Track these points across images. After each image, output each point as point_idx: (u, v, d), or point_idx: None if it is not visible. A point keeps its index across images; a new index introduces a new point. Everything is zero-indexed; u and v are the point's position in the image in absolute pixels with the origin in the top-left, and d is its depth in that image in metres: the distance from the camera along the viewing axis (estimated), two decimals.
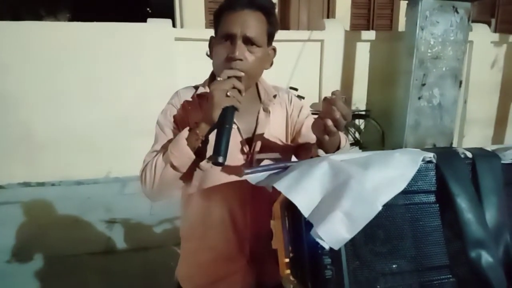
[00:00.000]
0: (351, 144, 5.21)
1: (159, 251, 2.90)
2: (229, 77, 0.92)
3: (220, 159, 0.84)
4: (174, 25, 4.80)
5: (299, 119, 1.17)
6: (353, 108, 5.35)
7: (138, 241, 3.10)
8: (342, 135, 1.00)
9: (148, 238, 3.15)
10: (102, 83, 4.38)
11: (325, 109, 0.83)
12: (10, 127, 4.25)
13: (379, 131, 5.20)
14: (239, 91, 0.91)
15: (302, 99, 3.93)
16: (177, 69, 4.54)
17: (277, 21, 1.07)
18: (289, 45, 4.68)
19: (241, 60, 0.98)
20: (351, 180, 0.65)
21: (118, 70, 4.40)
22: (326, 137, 0.86)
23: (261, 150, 1.07)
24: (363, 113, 5.23)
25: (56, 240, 3.09)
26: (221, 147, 0.85)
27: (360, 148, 5.12)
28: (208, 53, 1.12)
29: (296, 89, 4.29)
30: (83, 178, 4.44)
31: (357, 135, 5.25)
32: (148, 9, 11.05)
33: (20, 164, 4.35)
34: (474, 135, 5.82)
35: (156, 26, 4.47)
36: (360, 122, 5.26)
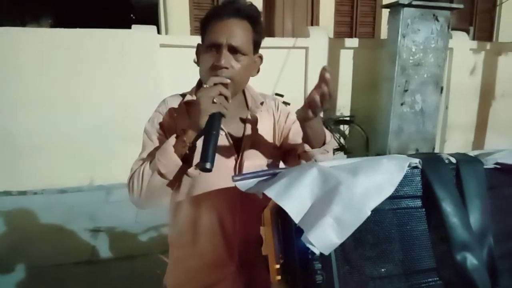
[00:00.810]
0: (336, 150, 5.27)
1: (145, 259, 2.87)
2: (215, 84, 0.93)
3: (208, 165, 0.84)
4: (158, 32, 4.79)
5: (286, 125, 1.18)
6: (338, 114, 5.42)
7: (124, 250, 3.06)
8: (327, 132, 1.04)
9: (134, 246, 3.11)
10: (86, 89, 4.33)
11: (316, 86, 0.87)
12: None
13: (363, 137, 5.27)
14: (226, 98, 0.92)
15: (288, 105, 3.96)
16: (161, 76, 4.52)
17: (263, 29, 1.08)
18: (275, 52, 4.72)
19: (227, 68, 0.99)
20: (340, 186, 0.66)
21: (102, 76, 4.36)
22: (310, 114, 0.90)
23: (249, 156, 1.08)
24: (348, 118, 5.30)
25: (39, 250, 3.01)
26: (208, 153, 0.85)
27: (345, 153, 5.18)
28: (196, 60, 1.13)
29: (281, 95, 4.32)
30: (66, 186, 4.36)
31: (342, 140, 5.31)
32: (132, 15, 10.99)
33: (0, 172, 4.24)
34: (455, 140, 5.95)
35: (141, 32, 4.45)
36: (344, 128, 5.33)
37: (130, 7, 10.84)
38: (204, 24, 1.05)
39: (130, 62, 4.40)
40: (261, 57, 1.13)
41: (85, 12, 9.82)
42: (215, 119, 0.90)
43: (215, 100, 0.90)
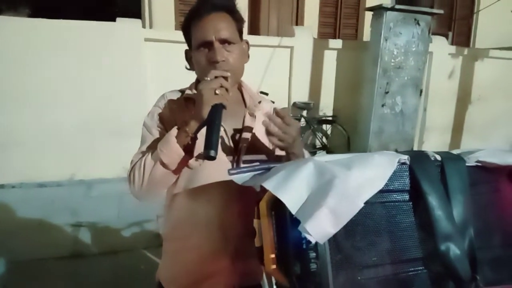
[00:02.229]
0: (318, 149, 5.35)
1: (128, 254, 2.86)
2: (216, 77, 0.96)
3: (212, 153, 0.87)
4: (142, 26, 4.75)
5: None
6: (321, 113, 5.50)
7: (107, 245, 3.03)
8: (306, 153, 1.11)
9: (116, 241, 3.09)
10: (68, 83, 4.25)
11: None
12: None
13: (345, 136, 5.38)
14: (226, 90, 0.96)
15: (272, 103, 4.01)
16: (145, 70, 4.49)
17: (241, 16, 1.13)
18: (260, 51, 4.75)
19: (223, 61, 1.03)
20: (335, 179, 0.70)
21: (84, 70, 4.29)
22: (281, 143, 0.99)
23: (247, 152, 1.11)
24: (330, 118, 5.39)
25: (19, 244, 2.96)
26: (212, 142, 0.88)
27: (326, 153, 5.27)
28: (188, 66, 1.17)
29: (266, 94, 4.36)
30: (46, 180, 4.28)
31: (324, 139, 5.40)
32: (115, 9, 10.81)
33: None
34: (433, 141, 6.13)
35: (126, 26, 4.40)
36: (327, 127, 5.42)
37: (112, 0, 10.65)
38: (187, 27, 1.10)
39: (114, 56, 4.34)
40: (247, 42, 1.17)
41: (64, 3, 9.59)
42: (217, 110, 0.93)
43: (217, 92, 0.93)
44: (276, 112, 0.97)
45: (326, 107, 5.56)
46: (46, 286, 2.50)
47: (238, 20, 1.10)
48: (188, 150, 0.97)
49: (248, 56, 1.18)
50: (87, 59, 4.27)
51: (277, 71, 5.12)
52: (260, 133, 1.16)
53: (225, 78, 0.97)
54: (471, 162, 0.84)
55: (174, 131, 0.97)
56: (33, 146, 4.23)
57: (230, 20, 1.07)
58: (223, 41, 1.04)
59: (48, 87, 4.20)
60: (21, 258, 2.77)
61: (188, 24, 1.08)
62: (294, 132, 0.98)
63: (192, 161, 1.01)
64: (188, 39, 1.11)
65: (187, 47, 1.15)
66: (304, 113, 5.16)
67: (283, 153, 1.06)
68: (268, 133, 0.96)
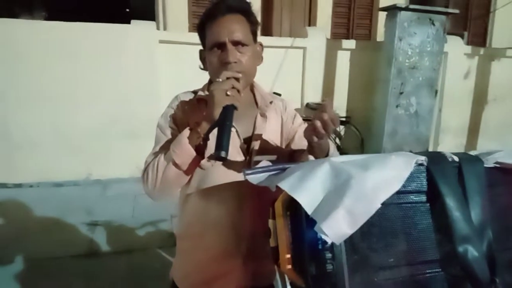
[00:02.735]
0: None
1: (143, 253, 2.89)
2: (228, 78, 0.97)
3: (223, 154, 0.87)
4: (156, 28, 4.80)
5: (293, 127, 1.22)
6: None
7: (121, 244, 3.07)
8: (331, 143, 1.07)
9: (131, 240, 3.13)
10: (84, 84, 4.33)
11: (316, 114, 0.91)
12: None
13: (358, 137, 5.33)
14: (238, 91, 0.96)
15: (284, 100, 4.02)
16: (159, 72, 4.53)
17: (256, 19, 1.13)
18: (272, 51, 4.76)
19: (235, 62, 1.04)
20: (351, 180, 0.70)
21: (99, 71, 4.36)
22: (315, 138, 0.93)
23: (258, 153, 1.12)
24: (343, 119, 5.36)
25: (37, 242, 3.02)
26: (223, 143, 0.88)
27: (340, 154, 5.22)
28: (201, 66, 1.17)
29: (279, 95, 4.35)
30: (63, 180, 4.35)
31: (337, 140, 5.36)
32: (127, 10, 10.93)
33: None
34: (448, 143, 6.04)
35: (141, 28, 4.46)
36: (340, 128, 5.38)
37: (125, 2, 10.78)
38: (201, 28, 1.10)
39: (129, 58, 4.40)
40: (261, 45, 1.17)
41: (78, 5, 9.75)
42: (229, 111, 0.93)
43: (228, 93, 0.94)
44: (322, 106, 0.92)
45: (339, 108, 5.52)
46: (61, 283, 2.54)
47: (253, 22, 1.11)
48: (200, 150, 0.98)
49: (262, 58, 1.17)
50: (102, 61, 4.34)
51: (290, 72, 5.11)
52: (271, 133, 1.16)
53: (237, 79, 0.98)
54: (489, 163, 0.83)
55: (186, 132, 0.98)
56: (50, 146, 4.31)
57: (244, 22, 1.08)
58: (236, 43, 1.04)
59: (65, 89, 4.27)
60: (38, 256, 2.82)
61: (203, 24, 1.09)
62: (336, 122, 0.93)
63: (204, 162, 1.02)
64: (202, 40, 1.12)
65: (201, 48, 1.16)
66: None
67: (306, 146, 1.02)
68: (315, 118, 0.91)
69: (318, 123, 0.90)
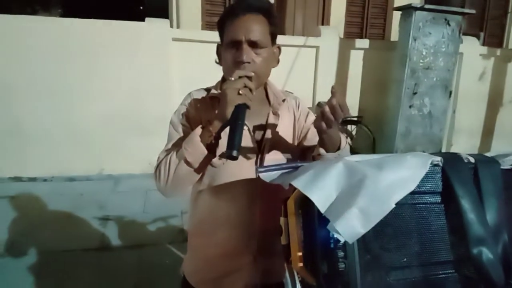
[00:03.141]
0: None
1: (153, 248, 2.92)
2: (240, 77, 0.97)
3: (234, 153, 0.87)
4: (170, 26, 4.83)
5: (306, 124, 1.22)
6: None
7: (133, 239, 3.11)
8: (342, 137, 1.06)
9: (142, 235, 3.16)
10: (97, 79, 4.38)
11: (327, 102, 0.90)
12: (1, 120, 4.22)
13: (370, 138, 5.29)
14: (250, 90, 0.96)
15: (297, 97, 4.00)
16: (172, 69, 4.56)
17: (277, 21, 1.11)
18: (285, 50, 4.70)
19: (249, 63, 1.03)
20: (366, 179, 0.70)
21: (114, 68, 4.40)
22: (324, 125, 0.92)
23: (270, 151, 1.12)
24: (355, 119, 5.32)
25: (50, 235, 3.07)
26: (234, 142, 0.88)
27: (351, 154, 5.20)
28: (217, 60, 1.17)
29: (291, 93, 4.35)
30: (76, 174, 4.42)
31: (349, 140, 5.33)
32: (141, 7, 11.02)
33: (11, 158, 4.31)
34: (462, 144, 5.96)
35: (155, 25, 4.48)
36: (352, 128, 5.35)
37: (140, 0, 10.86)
38: (221, 24, 1.09)
39: (142, 55, 4.44)
40: (279, 48, 1.16)
41: (92, 2, 9.86)
42: (241, 110, 0.93)
43: (240, 92, 0.94)
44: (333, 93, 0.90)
45: (352, 108, 5.48)
46: (73, 276, 2.58)
47: (273, 24, 1.09)
48: (212, 149, 0.98)
49: (278, 61, 1.16)
50: (116, 58, 4.38)
51: (302, 71, 5.09)
52: (283, 131, 1.16)
53: (249, 78, 0.98)
54: (505, 165, 0.82)
55: (198, 130, 0.98)
56: (63, 141, 4.38)
57: (264, 22, 1.06)
58: (253, 43, 1.03)
59: (78, 84, 4.33)
60: (50, 249, 2.87)
61: (223, 20, 1.08)
62: (346, 110, 0.91)
63: (215, 160, 1.02)
64: (221, 34, 1.11)
65: (214, 46, 1.16)
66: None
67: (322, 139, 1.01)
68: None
69: (327, 108, 0.89)
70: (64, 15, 9.30)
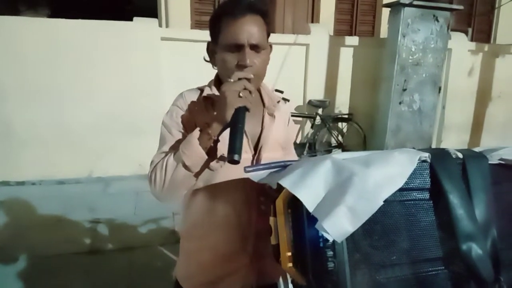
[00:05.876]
0: (334, 147, 5.31)
1: (144, 251, 2.89)
2: (239, 79, 0.95)
3: (236, 157, 0.85)
4: (159, 25, 4.79)
5: (290, 130, 1.25)
6: (336, 111, 5.45)
7: (124, 241, 3.07)
8: None
9: (133, 238, 3.13)
10: (86, 81, 4.32)
11: None
12: None
13: (361, 134, 5.32)
14: (250, 92, 0.94)
15: (287, 102, 3.99)
16: (161, 69, 4.53)
17: (270, 20, 1.10)
18: (275, 48, 4.68)
19: (251, 66, 1.01)
20: (354, 177, 0.69)
21: (102, 68, 4.35)
22: None
23: (266, 152, 1.10)
24: (346, 116, 5.34)
25: (39, 239, 3.03)
26: (236, 146, 0.86)
27: (342, 151, 5.21)
28: (207, 58, 1.14)
29: (281, 92, 4.34)
30: (65, 177, 4.36)
31: (339, 138, 5.35)
32: (129, 6, 10.91)
33: None
34: (452, 140, 6.01)
35: (143, 25, 4.44)
36: (343, 125, 5.37)
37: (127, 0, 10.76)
38: (216, 21, 1.05)
39: (131, 55, 4.39)
40: (271, 46, 1.14)
41: (80, 2, 9.74)
42: (241, 112, 0.91)
43: (240, 94, 0.91)
44: None
45: (342, 105, 5.50)
46: (64, 280, 2.54)
47: (268, 23, 1.07)
48: (211, 152, 0.96)
49: (269, 59, 1.14)
50: (104, 58, 4.34)
51: (293, 68, 5.09)
52: (277, 133, 1.15)
53: (248, 79, 0.96)
54: (493, 160, 0.81)
55: (196, 132, 0.94)
56: (52, 144, 4.32)
57: (262, 24, 1.04)
58: (254, 46, 1.01)
59: (67, 86, 4.28)
60: (40, 253, 2.83)
61: (219, 18, 1.04)
62: None
63: (213, 163, 0.99)
64: (214, 33, 1.07)
65: (204, 45, 1.13)
66: (320, 111, 5.12)
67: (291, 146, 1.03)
68: None
69: None
70: (52, 15, 9.18)
